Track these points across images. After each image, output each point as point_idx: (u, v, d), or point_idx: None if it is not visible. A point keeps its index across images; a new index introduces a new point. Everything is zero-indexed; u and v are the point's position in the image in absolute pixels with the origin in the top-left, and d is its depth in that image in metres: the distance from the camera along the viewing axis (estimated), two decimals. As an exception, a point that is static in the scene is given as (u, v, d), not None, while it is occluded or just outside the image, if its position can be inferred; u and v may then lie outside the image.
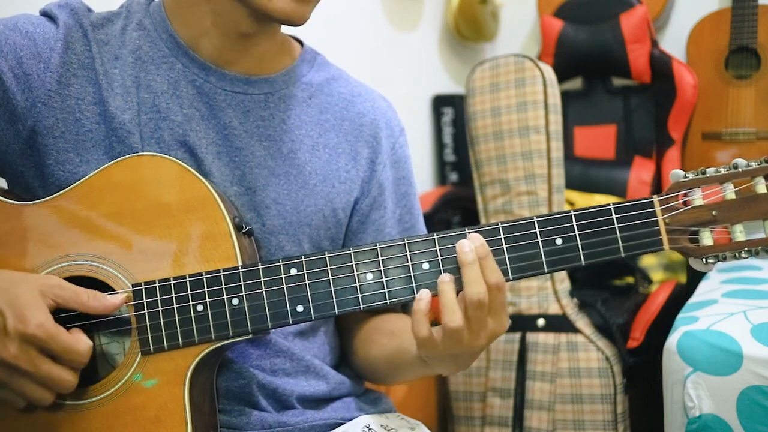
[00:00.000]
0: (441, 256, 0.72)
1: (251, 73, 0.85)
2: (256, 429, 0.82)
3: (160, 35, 0.83)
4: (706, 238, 0.71)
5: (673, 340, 1.20)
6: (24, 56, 0.78)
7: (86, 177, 0.77)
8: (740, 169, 0.70)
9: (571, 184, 1.96)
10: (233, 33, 0.82)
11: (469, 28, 2.35)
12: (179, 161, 0.77)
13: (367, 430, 0.83)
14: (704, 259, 0.71)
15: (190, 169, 0.76)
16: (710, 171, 0.71)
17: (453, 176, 2.34)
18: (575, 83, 2.26)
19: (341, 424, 0.86)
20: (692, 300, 1.39)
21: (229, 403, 0.82)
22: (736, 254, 0.71)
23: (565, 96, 2.11)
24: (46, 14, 0.83)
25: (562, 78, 1.97)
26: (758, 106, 2.02)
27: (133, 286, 0.74)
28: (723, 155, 2.07)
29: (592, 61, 2.15)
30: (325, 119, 0.89)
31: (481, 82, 1.76)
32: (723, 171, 0.70)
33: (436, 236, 0.73)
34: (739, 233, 0.70)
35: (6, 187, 0.85)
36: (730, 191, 0.70)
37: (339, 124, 0.89)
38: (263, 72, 0.86)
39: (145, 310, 0.73)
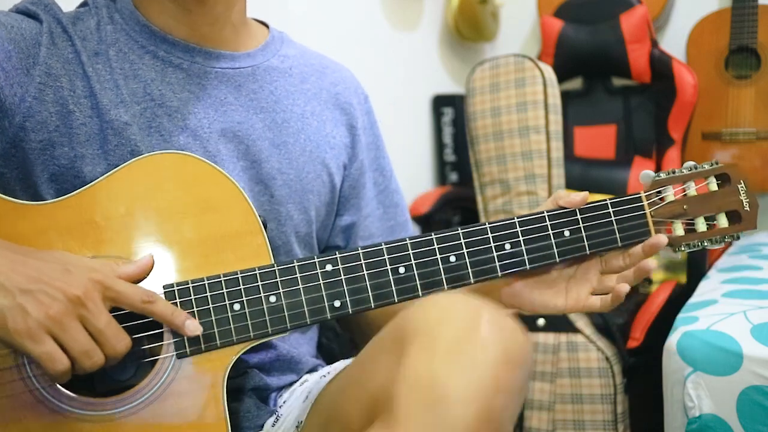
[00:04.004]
0: (466, 249, 0.77)
1: (232, 49, 0.86)
2: None
3: (133, 27, 0.82)
4: (678, 229, 0.83)
5: (673, 340, 1.20)
6: (12, 50, 0.75)
7: (106, 175, 0.74)
8: (695, 171, 0.83)
9: (571, 184, 1.96)
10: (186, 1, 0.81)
11: (469, 28, 2.35)
12: (203, 158, 0.75)
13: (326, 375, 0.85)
14: (676, 248, 0.82)
15: (215, 166, 0.75)
16: (678, 171, 0.83)
17: (453, 176, 2.34)
18: (575, 83, 2.26)
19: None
20: (692, 300, 1.38)
21: None
22: (699, 243, 0.83)
23: (565, 96, 2.11)
24: (22, 12, 0.80)
25: (562, 78, 1.97)
26: (758, 106, 2.02)
27: (164, 287, 0.71)
28: (723, 155, 2.07)
29: (592, 61, 2.14)
30: (306, 88, 0.91)
31: (481, 82, 1.76)
32: (685, 171, 0.83)
33: (460, 230, 0.77)
34: (701, 224, 0.83)
35: None
36: (692, 189, 0.83)
37: (318, 93, 0.92)
38: (242, 48, 0.87)
39: None
